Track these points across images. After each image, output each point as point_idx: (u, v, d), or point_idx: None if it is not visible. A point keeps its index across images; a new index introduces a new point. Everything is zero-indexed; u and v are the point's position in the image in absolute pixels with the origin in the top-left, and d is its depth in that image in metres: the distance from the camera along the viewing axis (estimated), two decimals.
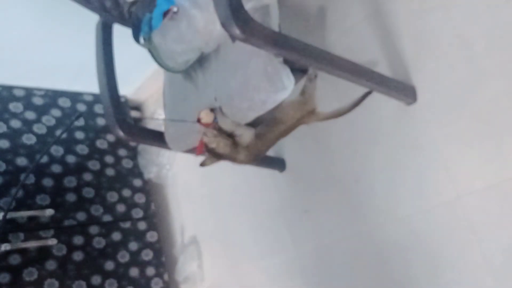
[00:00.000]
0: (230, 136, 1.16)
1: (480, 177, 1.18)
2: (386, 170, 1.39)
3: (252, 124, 1.16)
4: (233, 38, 0.94)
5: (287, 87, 1.02)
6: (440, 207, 1.26)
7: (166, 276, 2.13)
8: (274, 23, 1.05)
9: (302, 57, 1.03)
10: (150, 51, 1.22)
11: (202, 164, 1.23)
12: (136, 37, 1.26)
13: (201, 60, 1.21)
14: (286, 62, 1.03)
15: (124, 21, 1.31)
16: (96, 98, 2.25)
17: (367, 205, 1.44)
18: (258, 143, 1.19)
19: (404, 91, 1.30)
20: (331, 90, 1.55)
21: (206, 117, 1.16)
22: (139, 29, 1.24)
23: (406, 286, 1.34)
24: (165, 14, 1.18)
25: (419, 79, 1.31)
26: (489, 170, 1.17)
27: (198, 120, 1.17)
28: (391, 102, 1.33)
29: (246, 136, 1.16)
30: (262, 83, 1.03)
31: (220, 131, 1.15)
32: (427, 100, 1.29)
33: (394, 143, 1.37)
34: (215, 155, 1.18)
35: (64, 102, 2.16)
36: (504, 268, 1.14)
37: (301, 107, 1.17)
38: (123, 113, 1.26)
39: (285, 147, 1.73)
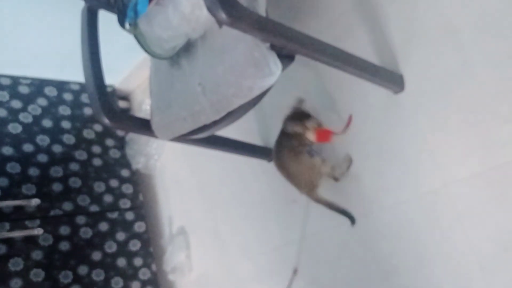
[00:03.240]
0: None
1: (466, 165, 1.18)
2: (373, 159, 1.39)
3: None
4: (220, 23, 0.93)
5: (274, 72, 1.01)
6: (427, 195, 1.26)
7: (154, 267, 2.13)
8: (261, 7, 1.03)
9: (289, 42, 1.02)
10: (136, 37, 1.20)
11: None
12: (121, 23, 1.23)
13: (188, 46, 1.20)
14: (273, 47, 1.02)
15: (109, 7, 1.29)
16: (83, 88, 2.23)
17: (353, 194, 1.44)
18: None
19: (392, 80, 1.30)
20: (317, 78, 1.56)
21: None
22: (125, 15, 1.22)
23: (393, 274, 1.35)
24: None
25: (407, 68, 1.31)
26: (475, 159, 1.17)
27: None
28: (378, 91, 1.33)
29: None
30: (249, 69, 1.02)
31: None
32: (415, 88, 1.29)
33: (381, 132, 1.37)
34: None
35: (50, 91, 2.14)
36: (491, 256, 1.15)
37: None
38: (109, 101, 1.24)
39: (273, 137, 1.72)
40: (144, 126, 1.31)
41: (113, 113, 1.23)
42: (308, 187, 1.41)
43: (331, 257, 1.51)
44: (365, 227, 1.42)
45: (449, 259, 1.22)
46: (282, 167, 1.43)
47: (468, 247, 1.19)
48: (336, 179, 1.44)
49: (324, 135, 1.37)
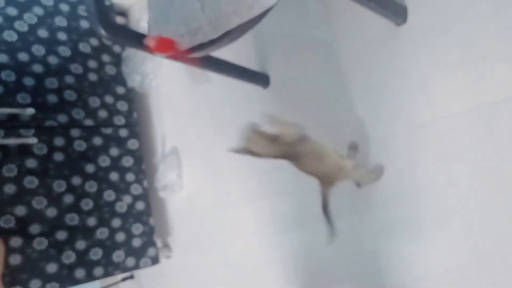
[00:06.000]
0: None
1: (458, 101, 1.19)
2: (367, 90, 1.39)
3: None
4: None
5: None
6: (416, 129, 1.28)
7: (145, 183, 2.18)
8: None
9: None
10: None
11: (235, 151, 1.27)
12: None
13: None
14: None
15: None
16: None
17: (344, 125, 1.46)
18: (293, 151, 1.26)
19: (396, 11, 1.28)
20: (318, 7, 1.52)
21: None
22: None
23: (375, 203, 1.40)
24: None
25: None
26: (467, 95, 1.18)
27: None
28: (380, 22, 1.31)
29: (289, 134, 1.25)
30: None
31: (262, 134, 1.23)
32: (417, 21, 1.28)
33: (378, 64, 1.36)
34: (249, 152, 1.25)
35: (47, 1, 2.08)
36: (468, 190, 1.19)
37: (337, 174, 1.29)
38: (106, 12, 1.22)
39: (271, 63, 1.71)
40: (141, 41, 1.30)
41: (110, 25, 1.21)
42: (328, 183, 1.31)
43: (315, 185, 1.55)
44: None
45: (430, 191, 1.27)
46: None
47: (448, 180, 1.23)
48: (359, 185, 1.38)
49: (165, 44, 1.18)
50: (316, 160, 1.28)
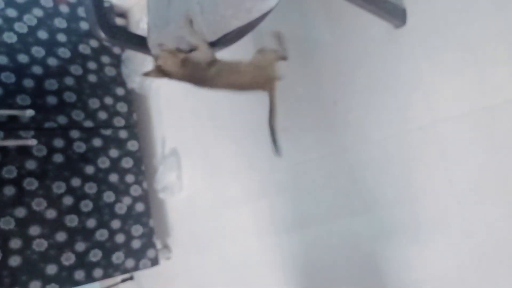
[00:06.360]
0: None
1: (458, 104, 1.19)
2: (366, 92, 1.39)
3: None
4: None
5: None
6: (415, 132, 1.28)
7: (145, 184, 2.18)
8: None
9: None
10: None
11: (145, 74, 1.19)
12: None
13: None
14: None
15: None
16: (79, 1, 2.17)
17: (343, 127, 1.46)
18: (207, 72, 1.18)
19: (395, 13, 1.28)
20: (318, 9, 1.53)
21: None
22: None
23: (374, 207, 1.40)
24: None
25: (410, 2, 1.29)
26: (467, 98, 1.18)
27: None
28: (379, 24, 1.31)
29: (203, 53, 1.14)
30: None
31: (173, 51, 1.14)
32: (416, 24, 1.28)
33: (377, 66, 1.36)
34: (160, 72, 1.16)
35: (46, 2, 2.08)
36: (468, 194, 1.19)
37: (259, 72, 1.22)
38: (105, 14, 1.22)
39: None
40: (141, 43, 1.30)
41: (109, 27, 1.21)
42: (270, 83, 1.26)
43: (315, 187, 1.56)
44: (351, 159, 1.45)
45: (428, 193, 1.27)
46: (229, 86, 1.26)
47: (448, 184, 1.23)
48: (284, 58, 1.29)
49: None
50: (233, 73, 1.22)
